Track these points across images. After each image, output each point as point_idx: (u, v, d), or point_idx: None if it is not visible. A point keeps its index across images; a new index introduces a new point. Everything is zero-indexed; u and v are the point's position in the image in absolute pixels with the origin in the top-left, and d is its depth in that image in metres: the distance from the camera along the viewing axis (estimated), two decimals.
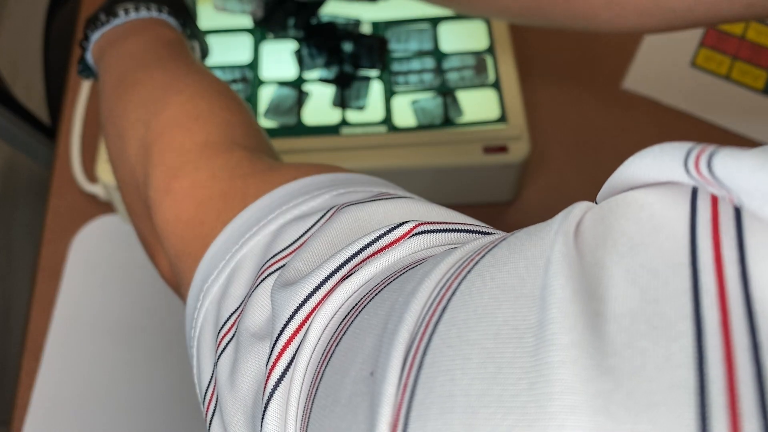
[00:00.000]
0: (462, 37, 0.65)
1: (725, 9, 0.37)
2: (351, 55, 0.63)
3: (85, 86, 0.71)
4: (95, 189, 0.66)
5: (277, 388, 0.22)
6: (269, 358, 0.23)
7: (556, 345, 0.15)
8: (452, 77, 0.63)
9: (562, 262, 0.17)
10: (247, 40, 0.67)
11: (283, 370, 0.23)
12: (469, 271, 0.19)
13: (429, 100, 0.62)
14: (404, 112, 0.62)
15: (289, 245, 0.28)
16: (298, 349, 0.23)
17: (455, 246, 0.24)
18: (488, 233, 0.26)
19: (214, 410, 0.27)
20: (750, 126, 0.69)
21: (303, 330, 0.23)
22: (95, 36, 0.46)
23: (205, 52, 0.54)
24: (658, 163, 0.17)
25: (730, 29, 0.72)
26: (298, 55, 0.64)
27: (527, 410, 0.14)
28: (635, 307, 0.15)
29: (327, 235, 0.27)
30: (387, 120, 0.62)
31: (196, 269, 0.32)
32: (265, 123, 0.62)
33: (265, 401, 0.23)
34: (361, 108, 0.62)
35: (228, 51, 0.66)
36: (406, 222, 0.25)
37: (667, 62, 0.72)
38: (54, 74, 0.85)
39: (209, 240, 0.32)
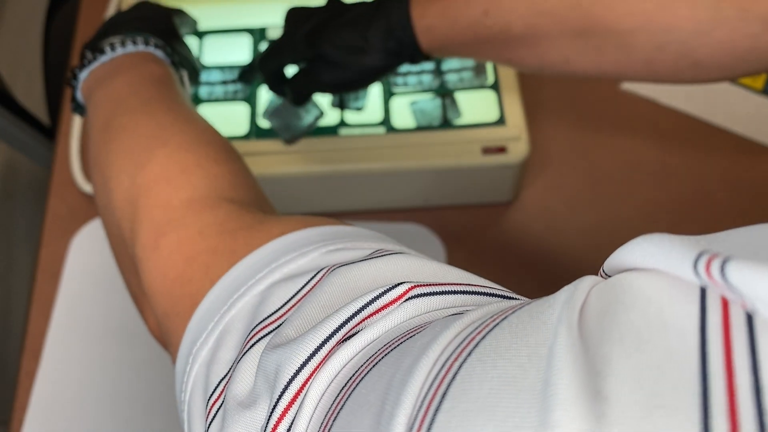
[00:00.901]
0: None
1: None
2: None
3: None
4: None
5: None
6: (267, 423, 0.23)
7: None
8: (451, 79, 0.63)
9: (566, 357, 0.16)
10: (246, 41, 0.67)
11: None
12: (469, 354, 0.19)
13: (428, 101, 0.62)
14: (403, 114, 0.62)
15: (278, 309, 0.28)
16: (295, 417, 0.23)
17: (453, 312, 0.24)
18: (485, 294, 0.26)
19: None
20: (749, 126, 0.69)
21: (301, 396, 0.23)
22: (83, 75, 0.46)
23: (196, 74, 0.53)
24: (666, 256, 0.17)
25: None
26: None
27: None
28: (640, 414, 0.15)
29: (318, 300, 0.27)
30: (385, 121, 0.62)
31: (184, 329, 0.31)
32: (264, 124, 0.62)
33: None
34: (359, 109, 0.62)
35: (228, 51, 0.66)
36: (400, 284, 0.25)
37: None
38: (53, 74, 0.85)
39: (197, 299, 0.31)
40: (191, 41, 0.65)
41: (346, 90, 0.52)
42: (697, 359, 0.15)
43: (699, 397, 0.15)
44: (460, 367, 0.18)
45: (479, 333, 0.19)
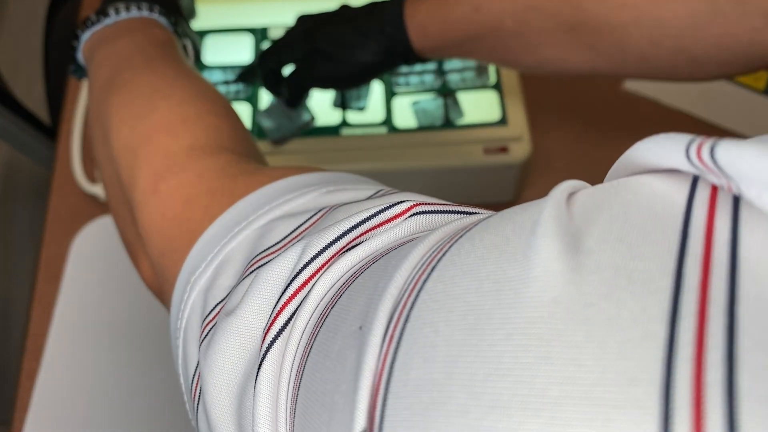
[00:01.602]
0: None
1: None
2: None
3: (86, 87, 0.71)
4: (95, 189, 0.66)
5: (274, 344, 0.23)
6: (274, 308, 0.24)
7: (537, 301, 0.15)
8: (453, 78, 0.63)
9: (550, 223, 0.17)
10: (248, 40, 0.67)
11: (281, 327, 0.23)
12: (461, 237, 0.19)
13: (430, 101, 0.62)
14: (405, 113, 0.62)
15: (280, 241, 0.28)
16: (297, 309, 0.23)
17: None
18: (490, 214, 0.26)
19: (200, 396, 0.27)
20: (751, 126, 0.69)
21: (303, 291, 0.23)
22: (86, 35, 0.46)
23: (197, 52, 0.53)
24: (661, 148, 0.18)
25: None
26: None
27: (503, 360, 0.15)
28: (620, 262, 0.15)
29: (316, 229, 0.27)
30: (387, 121, 0.62)
31: (181, 264, 0.31)
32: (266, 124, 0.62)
33: (261, 356, 0.23)
34: (361, 109, 0.62)
35: (229, 51, 0.66)
36: (404, 201, 0.25)
37: None
38: (54, 74, 0.85)
39: (196, 235, 0.32)
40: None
41: (341, 86, 0.53)
42: (680, 222, 0.16)
43: (676, 249, 0.15)
44: (451, 246, 0.19)
45: (474, 224, 0.20)
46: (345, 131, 0.61)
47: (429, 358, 0.16)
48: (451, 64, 0.63)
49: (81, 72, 0.48)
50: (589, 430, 0.13)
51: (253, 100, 0.63)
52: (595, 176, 0.70)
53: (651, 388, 0.13)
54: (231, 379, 0.25)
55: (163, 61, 0.42)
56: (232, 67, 0.64)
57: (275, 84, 0.55)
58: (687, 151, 0.17)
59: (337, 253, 0.24)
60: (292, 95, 0.54)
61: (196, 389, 0.28)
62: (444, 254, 0.19)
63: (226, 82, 0.64)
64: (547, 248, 0.16)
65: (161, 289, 0.35)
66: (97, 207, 0.67)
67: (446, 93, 0.62)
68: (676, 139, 0.17)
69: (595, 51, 0.42)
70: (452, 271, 0.18)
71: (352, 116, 0.62)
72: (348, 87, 0.53)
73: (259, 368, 0.23)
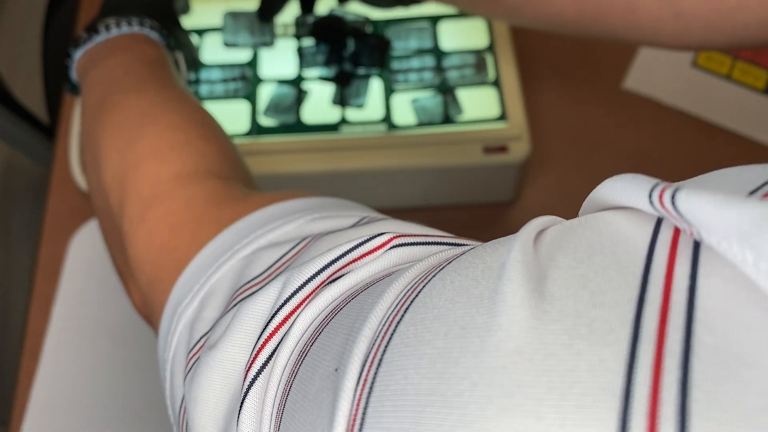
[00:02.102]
0: (462, 36, 0.65)
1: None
2: (352, 53, 0.63)
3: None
4: None
5: (256, 381, 0.23)
6: (255, 344, 0.24)
7: (501, 350, 0.16)
8: (452, 75, 0.63)
9: (517, 267, 0.17)
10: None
11: (262, 364, 0.23)
12: (434, 276, 0.20)
13: (429, 98, 0.62)
14: (404, 111, 0.62)
15: (263, 272, 0.29)
16: (278, 346, 0.23)
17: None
18: (463, 245, 0.26)
19: (186, 428, 0.27)
20: (751, 126, 0.69)
21: (284, 327, 0.24)
22: (77, 54, 0.46)
23: (194, 61, 0.53)
24: (626, 191, 0.18)
25: None
26: (300, 51, 0.64)
27: (467, 411, 0.15)
28: (581, 310, 0.16)
29: (302, 261, 0.27)
30: (386, 118, 0.61)
31: (169, 294, 0.31)
32: (265, 121, 0.62)
33: (243, 393, 0.23)
34: (360, 106, 0.62)
35: (227, 48, 0.66)
36: (383, 233, 0.25)
37: (668, 62, 0.72)
38: (53, 74, 0.85)
39: (183, 264, 0.32)
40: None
41: None
42: (641, 268, 0.16)
43: (636, 296, 0.15)
44: (424, 285, 0.19)
45: (448, 261, 0.20)
46: (344, 129, 0.61)
47: (399, 405, 0.17)
48: (451, 60, 0.63)
49: (76, 90, 0.48)
50: None
51: (252, 98, 0.63)
52: (595, 176, 0.70)
53: None
54: (215, 414, 0.25)
55: (152, 82, 0.42)
56: (231, 66, 0.64)
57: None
58: (650, 196, 0.17)
59: (318, 287, 0.24)
60: (264, 6, 0.55)
61: (183, 421, 0.28)
62: (417, 295, 0.19)
63: (225, 80, 0.63)
64: (512, 294, 0.16)
65: (151, 317, 0.35)
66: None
67: (445, 90, 0.62)
68: (640, 183, 0.18)
69: None
70: (423, 314, 0.18)
71: (351, 114, 0.62)
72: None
73: (241, 405, 0.23)
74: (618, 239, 0.17)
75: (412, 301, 0.19)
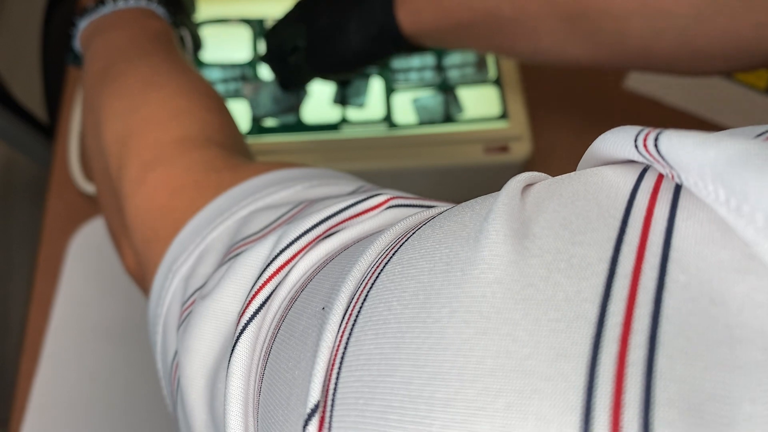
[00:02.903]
0: None
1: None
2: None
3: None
4: (93, 189, 0.66)
5: (248, 326, 0.23)
6: (249, 292, 0.24)
7: (481, 281, 0.16)
8: (453, 74, 0.63)
9: (502, 209, 0.18)
10: (245, 33, 0.66)
11: (255, 310, 0.24)
12: (424, 224, 0.21)
13: (430, 98, 0.62)
14: (404, 110, 0.62)
15: (259, 231, 0.29)
16: (271, 294, 0.24)
17: None
18: None
19: (178, 382, 0.27)
20: (753, 125, 0.69)
21: (278, 276, 0.24)
22: (83, 24, 0.46)
23: (197, 43, 0.53)
24: (615, 140, 0.19)
25: None
26: None
27: (445, 334, 0.16)
28: (561, 247, 0.16)
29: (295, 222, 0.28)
30: (387, 118, 0.61)
31: (164, 253, 0.32)
32: (265, 121, 0.61)
33: (235, 337, 0.23)
34: (361, 105, 0.62)
35: (226, 45, 0.65)
36: (381, 194, 0.26)
37: None
38: (52, 74, 0.85)
39: (180, 225, 0.32)
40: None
41: (335, 71, 0.52)
42: (621, 212, 0.17)
43: (615, 237, 0.16)
44: (415, 232, 0.20)
45: (440, 213, 0.21)
46: (345, 129, 0.61)
47: (380, 333, 0.17)
48: (451, 59, 0.63)
49: (79, 60, 0.48)
50: (517, 398, 0.14)
51: None
52: None
53: (578, 363, 0.14)
54: (206, 362, 0.26)
55: (157, 53, 0.42)
56: (232, 66, 0.64)
57: (279, 65, 0.55)
58: (635, 141, 0.18)
59: (313, 241, 0.25)
60: (287, 79, 0.54)
61: (174, 376, 0.28)
62: (407, 239, 0.20)
63: (225, 80, 0.63)
64: (496, 232, 0.17)
65: (143, 277, 0.36)
66: (94, 206, 0.67)
67: (446, 89, 0.62)
68: (627, 131, 0.18)
69: (595, 41, 0.41)
70: (411, 254, 0.19)
71: (352, 113, 0.62)
72: (343, 73, 0.52)
73: (232, 350, 0.23)
74: (602, 186, 0.18)
75: (401, 245, 0.20)
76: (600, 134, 0.63)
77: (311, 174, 0.33)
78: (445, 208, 0.23)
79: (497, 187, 0.68)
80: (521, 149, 0.60)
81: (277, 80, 0.56)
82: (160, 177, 0.35)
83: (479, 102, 0.62)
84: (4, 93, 0.84)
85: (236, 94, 0.63)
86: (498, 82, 0.62)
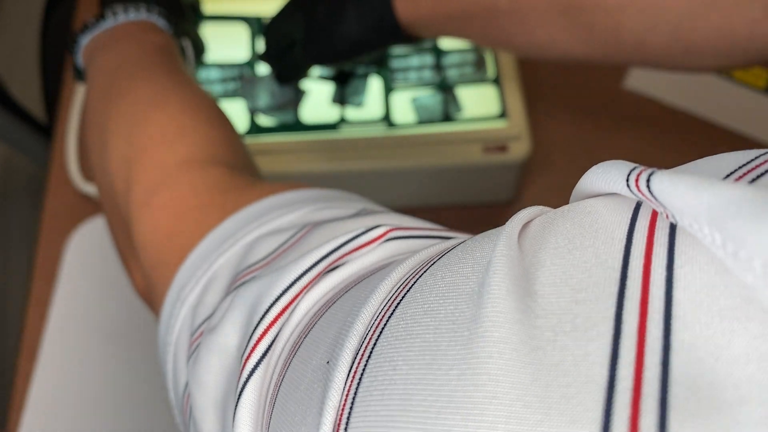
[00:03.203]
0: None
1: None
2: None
3: (82, 85, 0.70)
4: (91, 189, 0.66)
5: (255, 372, 0.23)
6: (247, 343, 0.24)
7: (487, 339, 0.16)
8: (452, 73, 0.62)
9: (502, 261, 0.18)
10: (243, 31, 0.66)
11: (261, 355, 0.24)
12: (425, 271, 0.20)
13: (429, 97, 0.61)
14: (403, 109, 0.62)
15: (263, 258, 0.29)
16: (276, 337, 0.24)
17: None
18: (459, 238, 0.27)
19: (191, 412, 0.27)
20: (752, 125, 0.69)
21: (282, 318, 0.24)
22: (84, 40, 0.46)
23: (199, 49, 0.53)
24: (606, 175, 0.19)
25: None
26: None
27: (454, 397, 0.16)
28: (564, 307, 0.16)
29: (301, 249, 0.28)
30: (386, 117, 0.61)
31: (172, 278, 0.32)
32: (263, 121, 0.61)
33: (242, 384, 0.23)
34: (359, 105, 0.62)
35: (224, 43, 0.65)
36: (380, 225, 0.26)
37: None
38: (50, 73, 0.85)
39: (186, 250, 0.32)
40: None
41: (331, 61, 0.52)
42: (620, 261, 0.16)
43: (616, 292, 0.16)
44: (415, 282, 0.20)
45: (438, 256, 0.21)
46: (343, 128, 0.61)
47: (387, 394, 0.17)
48: (450, 59, 0.63)
49: (81, 76, 0.48)
50: None
51: None
52: None
53: (591, 430, 0.14)
54: (215, 395, 0.26)
55: (159, 68, 0.42)
56: (231, 65, 0.64)
57: (277, 60, 0.55)
58: (627, 180, 0.18)
59: (314, 278, 0.25)
60: (284, 72, 0.54)
61: (186, 406, 0.28)
62: (408, 290, 0.20)
63: (224, 80, 0.63)
64: (498, 288, 0.17)
65: (152, 300, 0.36)
66: (92, 206, 0.66)
67: (445, 88, 0.62)
68: (619, 168, 0.18)
69: (590, 35, 0.41)
70: (413, 309, 0.19)
71: (351, 113, 0.62)
72: (340, 62, 0.52)
73: (238, 398, 0.23)
74: (597, 229, 0.18)
75: (403, 297, 0.20)
76: (598, 134, 0.63)
77: (315, 196, 0.33)
78: (444, 248, 0.22)
79: (496, 186, 0.68)
80: (520, 149, 0.59)
81: (274, 74, 0.56)
82: (165, 200, 0.34)
83: (478, 101, 0.62)
84: (2, 92, 0.84)
85: (234, 94, 0.63)
86: (497, 82, 0.62)
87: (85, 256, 0.65)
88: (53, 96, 0.79)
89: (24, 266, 0.87)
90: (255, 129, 0.61)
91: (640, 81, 0.71)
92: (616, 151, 0.68)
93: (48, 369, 0.60)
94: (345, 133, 0.60)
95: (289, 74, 0.55)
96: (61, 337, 0.61)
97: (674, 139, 0.69)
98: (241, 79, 0.62)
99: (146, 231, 0.34)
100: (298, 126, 0.61)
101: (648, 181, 0.17)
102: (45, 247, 0.65)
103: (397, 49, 0.64)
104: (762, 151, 0.18)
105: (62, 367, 0.61)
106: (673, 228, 0.16)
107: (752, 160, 0.18)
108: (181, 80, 0.41)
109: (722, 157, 0.19)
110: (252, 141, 0.60)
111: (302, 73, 0.55)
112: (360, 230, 0.26)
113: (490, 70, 0.63)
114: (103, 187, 0.40)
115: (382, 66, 0.63)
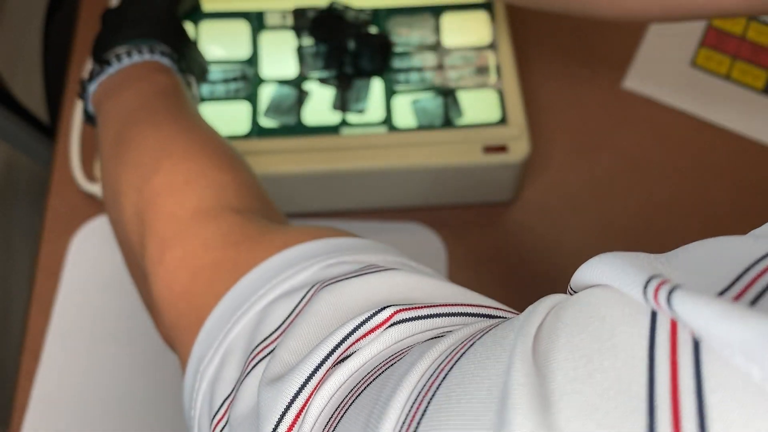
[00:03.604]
0: (465, 31, 0.65)
1: (726, 2, 0.37)
2: (353, 54, 0.63)
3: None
4: (94, 188, 0.66)
5: None
6: None
7: None
8: (453, 76, 0.63)
9: (520, 392, 0.17)
10: (243, 27, 0.65)
11: None
12: (438, 388, 0.20)
13: (429, 100, 0.62)
14: (404, 112, 0.62)
15: (275, 330, 0.29)
16: None
17: (434, 335, 0.25)
18: (469, 315, 0.26)
19: None
20: (750, 126, 0.69)
21: (298, 422, 0.24)
22: (92, 87, 0.46)
23: (203, 70, 0.53)
24: (620, 276, 0.18)
25: (731, 29, 0.72)
26: (300, 52, 0.64)
27: None
28: None
29: (309, 322, 0.27)
30: (387, 120, 0.61)
31: (191, 344, 0.32)
32: (265, 122, 0.62)
33: None
34: (361, 111, 0.62)
35: (224, 40, 0.65)
36: (385, 308, 0.25)
37: (667, 62, 0.72)
38: (53, 74, 0.85)
39: (203, 313, 0.32)
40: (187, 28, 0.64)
41: None
42: (645, 387, 0.15)
43: (646, 425, 0.15)
44: (429, 402, 0.19)
45: (448, 362, 0.20)
46: (344, 130, 0.61)
47: None
48: (452, 61, 0.63)
49: (93, 121, 0.48)
50: None
51: (252, 99, 0.63)
52: (595, 175, 0.70)
53: None
54: None
55: (166, 113, 0.42)
56: (233, 64, 0.64)
57: None
58: (645, 291, 0.17)
59: (324, 375, 0.25)
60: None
61: None
62: (423, 414, 0.19)
63: (226, 81, 0.63)
64: (520, 426, 0.16)
65: (176, 354, 0.36)
66: (95, 206, 0.67)
67: (446, 92, 0.62)
68: (635, 272, 0.17)
69: None
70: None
71: (352, 116, 0.62)
72: None
73: None
74: (615, 345, 0.17)
75: (419, 423, 0.19)
76: (597, 135, 0.64)
77: (327, 249, 0.32)
78: (453, 352, 0.21)
79: (496, 186, 0.68)
80: (520, 149, 0.60)
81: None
82: (178, 256, 0.34)
83: (479, 105, 0.62)
84: (4, 93, 0.84)
85: (236, 95, 0.63)
86: (498, 86, 0.62)
87: (88, 256, 0.65)
88: (56, 96, 0.79)
89: (27, 266, 0.87)
90: (257, 131, 0.61)
91: (638, 81, 0.71)
92: (616, 152, 0.68)
93: (51, 368, 0.61)
94: (346, 134, 0.61)
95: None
96: (65, 336, 0.62)
97: (673, 139, 0.69)
98: (245, 79, 0.62)
99: (163, 290, 0.34)
100: (299, 128, 0.61)
101: (669, 298, 0.16)
102: (48, 247, 0.66)
103: (400, 47, 0.64)
104: (766, 249, 0.17)
105: (65, 366, 0.61)
106: (696, 343, 0.16)
107: (760, 259, 0.17)
108: (187, 125, 0.41)
109: (724, 245, 0.18)
110: (254, 142, 0.60)
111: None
112: (365, 315, 0.25)
113: (492, 74, 0.63)
114: (120, 238, 0.40)
115: (384, 71, 0.63)
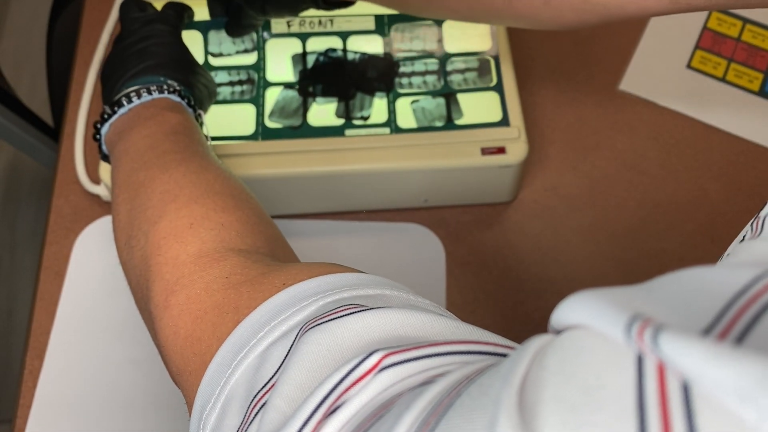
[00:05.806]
0: (466, 38, 0.66)
1: (653, 5, 0.39)
2: (359, 81, 0.64)
3: (89, 87, 0.71)
4: (98, 189, 0.67)
5: None
6: None
7: None
8: (455, 79, 0.64)
9: None
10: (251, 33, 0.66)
11: None
12: None
13: (429, 100, 0.63)
14: (407, 114, 0.63)
15: (275, 373, 0.29)
16: None
17: (424, 378, 0.25)
18: (459, 353, 0.26)
19: None
20: (746, 127, 0.70)
21: None
22: (104, 129, 0.47)
23: (212, 91, 0.54)
24: (599, 321, 0.18)
25: (726, 31, 0.73)
26: (304, 91, 0.64)
27: None
28: None
29: (302, 366, 0.27)
30: (390, 122, 0.62)
31: (196, 388, 0.32)
32: (271, 124, 0.62)
33: None
34: (365, 119, 0.63)
35: (228, 41, 0.65)
36: (373, 353, 0.25)
37: (663, 64, 0.73)
38: (57, 75, 0.86)
39: (206, 358, 0.33)
40: (195, 36, 0.65)
41: (275, 11, 0.54)
42: None
43: None
44: None
45: (435, 415, 0.20)
46: (348, 132, 0.62)
47: None
48: (454, 65, 0.64)
49: (109, 160, 0.49)
50: None
51: (258, 101, 0.64)
52: (593, 176, 0.71)
53: None
54: None
55: (174, 155, 0.42)
56: (238, 68, 0.65)
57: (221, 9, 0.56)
58: (629, 332, 0.17)
59: (317, 425, 0.24)
60: (231, 21, 0.56)
61: None
62: None
63: (231, 83, 0.64)
64: None
65: (186, 401, 0.36)
66: (99, 207, 0.67)
67: (446, 94, 0.63)
68: (614, 315, 0.17)
69: None
70: None
71: (355, 119, 0.63)
72: (284, 11, 0.54)
73: None
74: (603, 397, 0.16)
75: None
76: (595, 136, 0.64)
77: (325, 287, 0.32)
78: (442, 402, 0.21)
79: (494, 187, 0.69)
80: (518, 151, 0.61)
81: (225, 27, 0.57)
82: (181, 301, 0.35)
83: (480, 107, 0.63)
84: (9, 95, 0.85)
85: (241, 98, 0.64)
86: (499, 88, 0.63)
87: (92, 256, 0.66)
88: (60, 98, 0.80)
89: (32, 266, 0.88)
90: (262, 132, 0.62)
91: (635, 83, 0.72)
92: (612, 153, 0.69)
93: (55, 367, 0.61)
94: (350, 136, 0.62)
95: (236, 23, 0.56)
96: (68, 335, 0.62)
97: (669, 141, 0.70)
98: (250, 82, 0.63)
99: (167, 335, 0.35)
100: (304, 130, 0.62)
101: (654, 338, 0.16)
102: (52, 247, 0.66)
103: (402, 53, 0.65)
104: (745, 281, 0.17)
105: (69, 365, 0.61)
106: (686, 392, 0.15)
107: (741, 293, 0.17)
108: (194, 167, 0.42)
109: (704, 277, 0.18)
110: (259, 144, 0.61)
111: (249, 23, 0.56)
112: (354, 362, 0.25)
113: (493, 77, 0.64)
114: (131, 282, 0.41)
115: (391, 90, 0.64)
